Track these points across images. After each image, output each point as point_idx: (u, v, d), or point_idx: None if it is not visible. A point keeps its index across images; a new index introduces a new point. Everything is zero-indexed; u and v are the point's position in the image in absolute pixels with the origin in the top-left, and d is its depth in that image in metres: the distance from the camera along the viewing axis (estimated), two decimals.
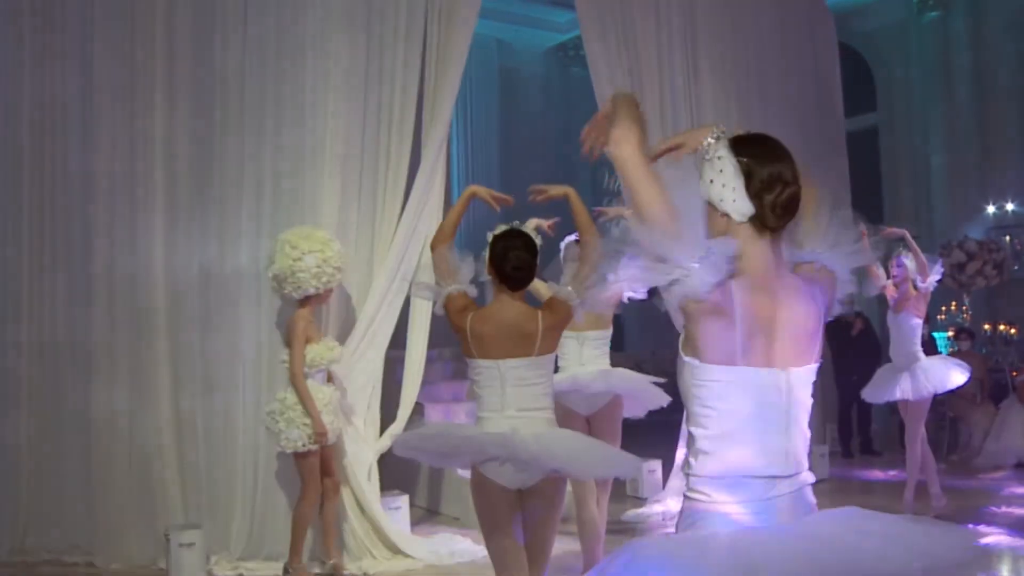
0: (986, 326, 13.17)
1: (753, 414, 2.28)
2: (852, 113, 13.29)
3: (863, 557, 2.13)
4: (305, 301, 6.44)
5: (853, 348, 11.23)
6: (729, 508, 2.27)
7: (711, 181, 2.36)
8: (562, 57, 19.67)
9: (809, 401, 2.38)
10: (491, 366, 4.05)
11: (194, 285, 7.20)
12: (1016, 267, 14.04)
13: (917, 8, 16.11)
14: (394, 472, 7.50)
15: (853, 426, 11.51)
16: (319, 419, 6.20)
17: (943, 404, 11.44)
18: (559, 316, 4.12)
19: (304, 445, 6.21)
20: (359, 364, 7.06)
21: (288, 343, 6.37)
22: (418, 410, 7.78)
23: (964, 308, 13.63)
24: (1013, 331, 12.72)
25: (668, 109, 9.03)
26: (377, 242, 7.29)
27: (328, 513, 6.55)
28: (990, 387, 11.46)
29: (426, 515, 8.31)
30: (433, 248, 4.35)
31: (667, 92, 9.06)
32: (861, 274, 2.58)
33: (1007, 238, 14.44)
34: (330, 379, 6.65)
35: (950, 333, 12.57)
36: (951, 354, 11.66)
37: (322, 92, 7.17)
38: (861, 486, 9.60)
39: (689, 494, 2.34)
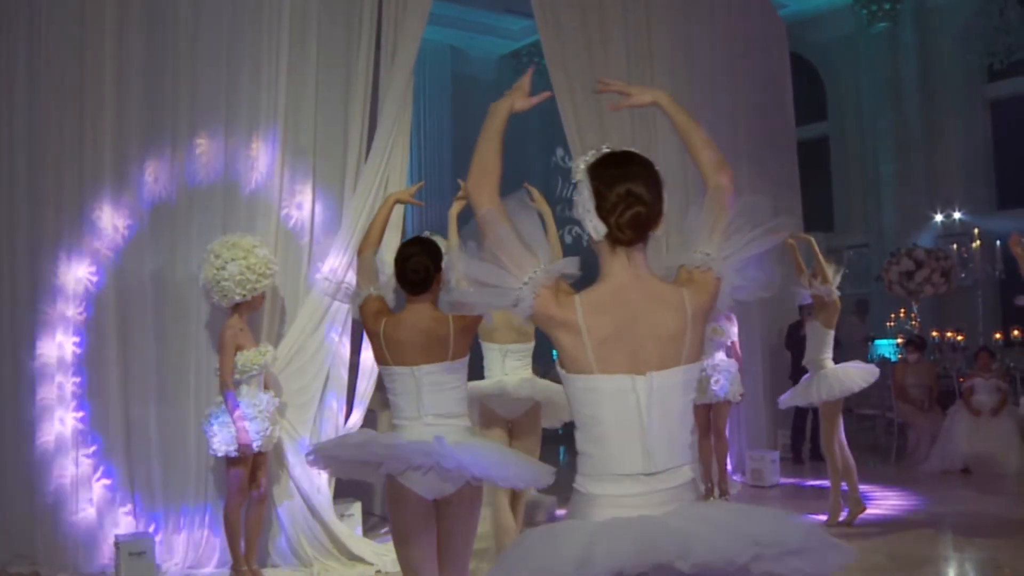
0: (934, 333, 13.35)
1: (612, 418, 2.47)
2: (803, 122, 13.43)
3: (695, 543, 2.25)
4: (236, 309, 6.46)
5: (800, 348, 10.10)
6: (604, 501, 2.46)
7: (576, 203, 2.57)
8: (515, 64, 19.69)
9: (683, 400, 2.53)
10: (406, 372, 4.07)
11: (146, 291, 7.10)
12: (963, 275, 14.24)
13: (867, 20, 16.35)
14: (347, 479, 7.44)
15: (805, 431, 11.46)
16: (243, 430, 6.21)
17: (891, 410, 11.59)
18: (468, 317, 4.11)
19: (228, 452, 6.24)
20: (305, 371, 7.07)
21: (218, 351, 6.42)
22: (371, 417, 7.72)
23: (913, 316, 13.81)
24: (960, 338, 12.90)
25: (624, 117, 9.08)
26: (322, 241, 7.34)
27: (250, 521, 6.50)
28: (938, 394, 11.59)
29: (379, 522, 8.26)
30: (359, 253, 4.40)
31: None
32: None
33: (954, 246, 14.66)
34: (268, 386, 6.63)
35: (899, 340, 12.71)
36: (899, 360, 11.84)
37: (273, 86, 7.23)
38: (812, 491, 9.66)
39: (575, 486, 2.55)
